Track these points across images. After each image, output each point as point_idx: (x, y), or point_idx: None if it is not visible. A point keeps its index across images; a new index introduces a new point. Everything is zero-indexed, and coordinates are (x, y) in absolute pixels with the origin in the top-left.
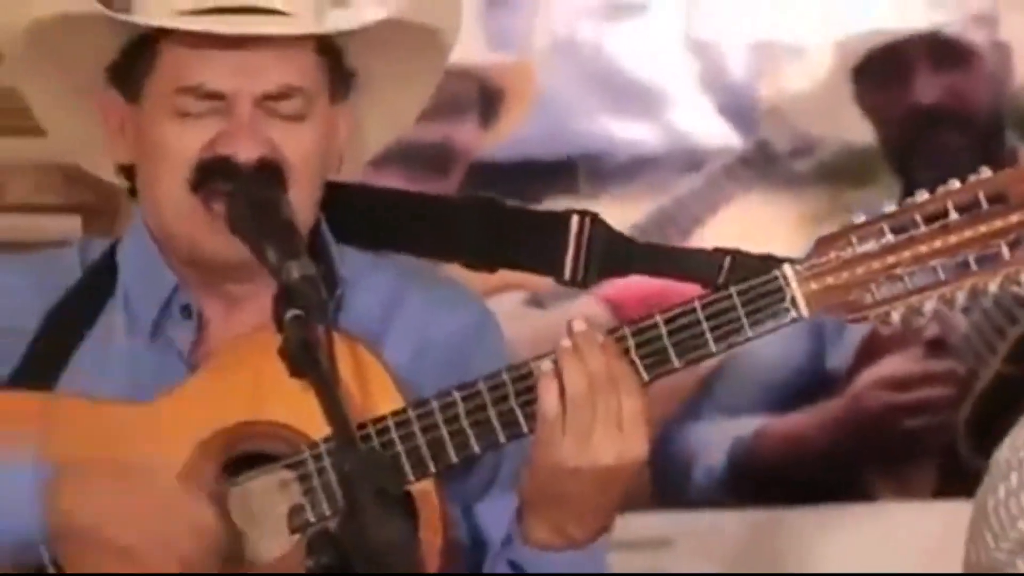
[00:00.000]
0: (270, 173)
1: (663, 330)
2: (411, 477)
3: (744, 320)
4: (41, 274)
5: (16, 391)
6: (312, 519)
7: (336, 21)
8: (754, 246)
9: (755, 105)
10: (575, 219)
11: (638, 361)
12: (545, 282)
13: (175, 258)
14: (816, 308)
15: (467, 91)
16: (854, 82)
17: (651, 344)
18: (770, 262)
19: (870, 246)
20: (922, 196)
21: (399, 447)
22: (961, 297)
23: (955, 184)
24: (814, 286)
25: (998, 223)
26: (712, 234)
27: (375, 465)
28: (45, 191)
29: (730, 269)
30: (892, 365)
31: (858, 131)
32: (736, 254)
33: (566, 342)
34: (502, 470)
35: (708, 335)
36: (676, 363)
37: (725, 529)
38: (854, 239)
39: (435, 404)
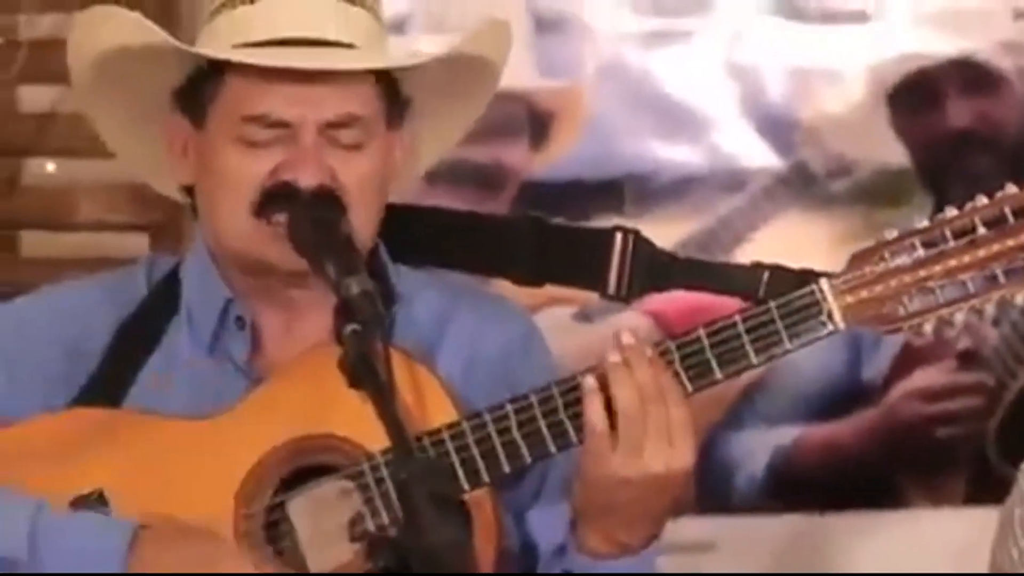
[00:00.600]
0: (330, 199)
1: (706, 343)
2: (465, 487)
3: (783, 333)
4: (110, 293)
5: (86, 408)
6: (372, 527)
7: (395, 53)
8: (793, 262)
9: (794, 128)
10: (618, 236)
11: (682, 373)
12: (591, 297)
13: (237, 270)
14: (851, 321)
15: (518, 114)
16: (888, 106)
17: (694, 357)
18: (807, 276)
19: (902, 260)
20: (951, 212)
21: (454, 458)
22: (990, 308)
23: (983, 200)
24: (849, 299)
25: None
26: (753, 251)
27: (430, 472)
28: (114, 210)
29: (769, 283)
30: (925, 377)
31: (892, 153)
32: (775, 269)
33: (615, 356)
34: (550, 478)
35: (749, 348)
36: (718, 375)
37: (765, 533)
38: (887, 254)
39: (487, 416)
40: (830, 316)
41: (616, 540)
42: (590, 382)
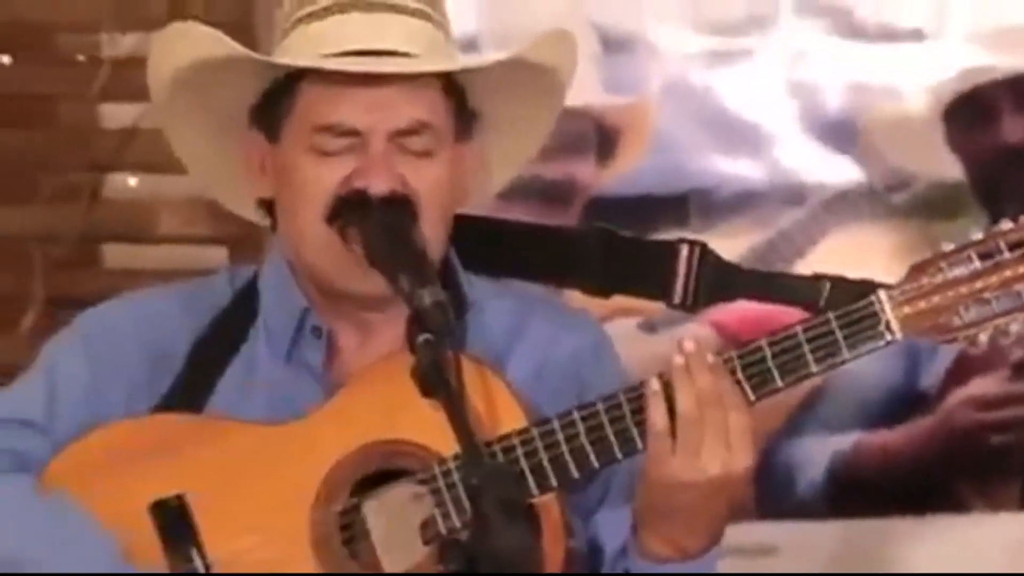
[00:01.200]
0: (401, 205)
1: (767, 352)
2: (535, 491)
3: (842, 343)
4: (190, 301)
5: (168, 413)
6: (443, 531)
7: (463, 61)
8: (853, 273)
9: (853, 143)
10: (684, 248)
11: (745, 382)
12: (657, 307)
13: (312, 286)
14: (909, 331)
15: (586, 131)
16: (945, 122)
17: (757, 366)
18: (866, 287)
19: (959, 272)
20: (1007, 225)
21: (523, 463)
22: None
23: None
24: (907, 310)
25: None
26: (814, 263)
27: (500, 477)
28: (194, 224)
29: (829, 294)
30: (980, 386)
31: (949, 168)
32: (835, 280)
33: (678, 359)
34: (614, 482)
35: (809, 357)
36: (780, 383)
37: (825, 537)
38: (944, 265)
39: (556, 423)
40: (888, 327)
41: (677, 544)
42: (654, 385)
